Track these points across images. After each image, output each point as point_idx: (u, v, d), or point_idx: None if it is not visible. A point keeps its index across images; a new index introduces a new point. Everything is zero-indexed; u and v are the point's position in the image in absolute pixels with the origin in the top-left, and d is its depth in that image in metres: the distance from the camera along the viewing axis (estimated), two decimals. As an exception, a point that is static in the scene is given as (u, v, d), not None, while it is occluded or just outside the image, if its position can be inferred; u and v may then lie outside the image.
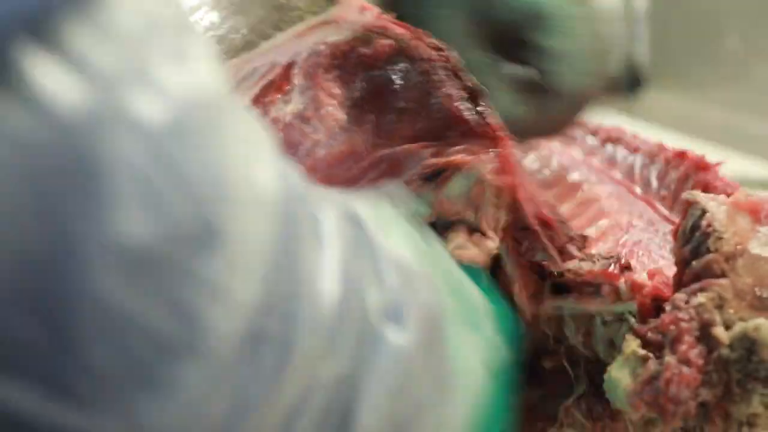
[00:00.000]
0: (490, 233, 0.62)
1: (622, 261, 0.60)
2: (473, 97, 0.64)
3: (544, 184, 0.83)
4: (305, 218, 0.39)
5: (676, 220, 0.74)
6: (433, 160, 0.61)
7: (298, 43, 0.68)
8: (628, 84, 2.45)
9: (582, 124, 0.93)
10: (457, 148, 0.62)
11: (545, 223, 0.64)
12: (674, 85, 1.71)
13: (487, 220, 0.62)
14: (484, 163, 0.62)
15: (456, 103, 0.63)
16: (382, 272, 0.42)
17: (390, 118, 0.65)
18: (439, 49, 0.65)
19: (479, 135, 0.63)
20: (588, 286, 0.60)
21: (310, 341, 0.37)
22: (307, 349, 0.37)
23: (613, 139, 0.89)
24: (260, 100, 0.66)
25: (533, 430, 0.64)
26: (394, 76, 0.65)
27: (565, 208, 0.78)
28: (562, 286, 0.63)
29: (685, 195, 0.57)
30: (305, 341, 0.37)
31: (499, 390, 0.55)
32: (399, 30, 0.66)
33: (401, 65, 0.65)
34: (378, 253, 0.43)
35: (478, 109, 0.64)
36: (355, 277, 0.40)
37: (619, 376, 0.54)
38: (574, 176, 0.84)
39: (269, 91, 0.66)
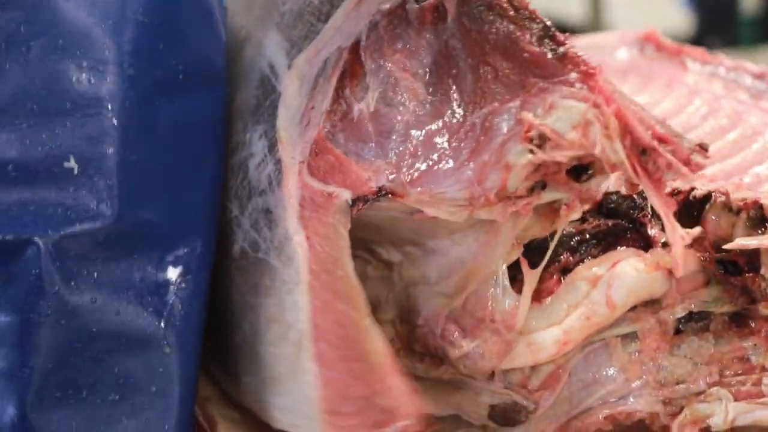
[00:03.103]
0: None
1: None
2: (550, 36, 0.59)
3: (719, 130, 0.76)
4: None
5: None
6: (528, 119, 0.58)
7: (354, 19, 0.63)
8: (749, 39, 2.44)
9: (740, 66, 0.86)
10: (550, 99, 0.58)
11: (662, 140, 0.60)
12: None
13: (607, 157, 0.58)
14: (580, 100, 0.58)
15: (533, 46, 0.59)
16: None
17: (468, 78, 0.61)
18: None
19: (564, 73, 0.59)
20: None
21: None
22: None
23: (782, 82, 0.81)
24: (341, 95, 0.62)
25: (748, 380, 0.60)
26: (457, 33, 0.61)
27: (746, 155, 0.73)
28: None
29: None
30: None
31: None
32: None
33: (462, 18, 0.61)
34: None
35: (557, 47, 0.59)
36: None
37: None
38: (751, 120, 0.77)
39: (346, 81, 0.62)
